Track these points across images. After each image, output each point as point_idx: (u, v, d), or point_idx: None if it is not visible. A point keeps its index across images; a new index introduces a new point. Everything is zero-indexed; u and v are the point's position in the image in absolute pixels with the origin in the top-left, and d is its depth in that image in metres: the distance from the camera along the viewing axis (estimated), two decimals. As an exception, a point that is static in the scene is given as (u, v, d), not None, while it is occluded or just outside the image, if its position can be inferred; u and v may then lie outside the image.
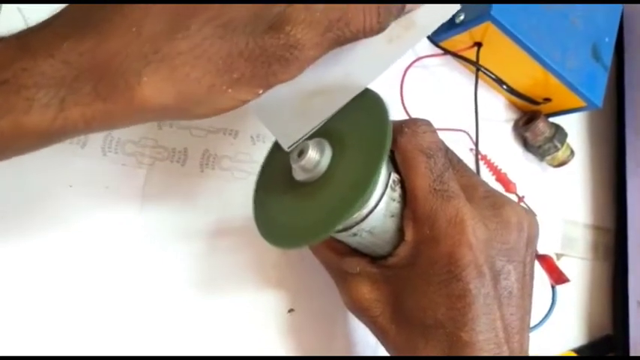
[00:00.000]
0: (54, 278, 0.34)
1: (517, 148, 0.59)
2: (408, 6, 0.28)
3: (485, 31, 0.49)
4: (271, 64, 0.25)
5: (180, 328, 0.37)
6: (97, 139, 0.37)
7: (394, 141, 0.33)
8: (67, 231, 0.35)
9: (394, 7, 0.28)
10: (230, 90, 0.25)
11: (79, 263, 0.35)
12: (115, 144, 0.37)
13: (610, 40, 0.56)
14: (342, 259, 0.34)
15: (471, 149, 0.53)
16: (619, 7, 0.58)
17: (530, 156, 0.59)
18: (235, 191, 0.41)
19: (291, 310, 0.41)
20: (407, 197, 0.32)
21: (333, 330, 0.43)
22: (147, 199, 0.38)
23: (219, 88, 0.24)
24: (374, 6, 0.26)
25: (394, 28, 0.30)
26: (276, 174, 0.34)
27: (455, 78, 0.55)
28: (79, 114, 0.23)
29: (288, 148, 0.32)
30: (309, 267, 0.40)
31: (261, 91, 0.26)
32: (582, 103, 0.55)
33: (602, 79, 0.55)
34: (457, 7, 0.31)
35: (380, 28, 0.27)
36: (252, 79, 0.25)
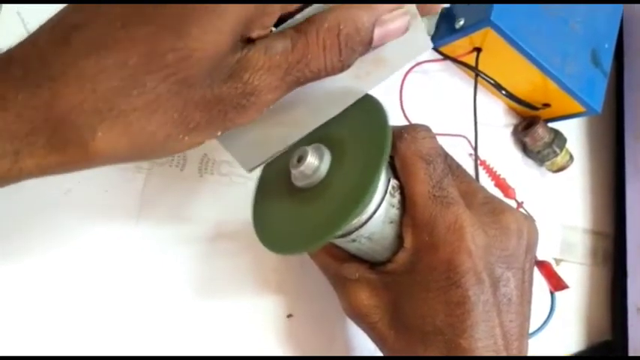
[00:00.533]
0: (53, 282, 0.34)
1: (516, 154, 0.59)
2: (376, 38, 0.27)
3: (485, 36, 0.49)
4: (228, 112, 0.25)
5: (179, 333, 0.37)
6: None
7: (393, 147, 0.33)
8: (67, 235, 0.35)
9: (358, 45, 0.27)
10: (186, 137, 0.25)
11: (78, 268, 0.35)
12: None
13: (609, 46, 0.56)
14: (341, 264, 0.34)
15: (470, 154, 0.53)
16: (619, 12, 0.58)
17: (529, 161, 0.59)
18: (234, 196, 0.41)
19: (290, 316, 0.41)
20: (406, 203, 0.32)
21: (332, 335, 0.43)
22: (146, 204, 0.38)
23: (175, 137, 0.24)
24: (336, 45, 0.26)
25: (362, 63, 0.29)
26: (275, 179, 0.34)
27: (454, 83, 0.55)
28: (34, 165, 0.23)
29: (249, 171, 0.33)
30: (309, 272, 0.40)
31: (219, 134, 0.26)
32: (581, 109, 0.55)
33: (602, 85, 0.55)
34: (429, 45, 0.30)
35: (342, 67, 0.27)
36: (208, 127, 0.25)
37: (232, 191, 0.41)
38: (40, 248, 0.34)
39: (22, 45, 0.23)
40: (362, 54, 0.27)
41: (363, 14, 0.26)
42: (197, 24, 0.22)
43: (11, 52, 0.23)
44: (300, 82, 0.26)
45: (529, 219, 0.35)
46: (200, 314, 0.38)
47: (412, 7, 0.28)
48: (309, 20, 0.26)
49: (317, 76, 0.26)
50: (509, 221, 0.33)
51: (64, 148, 0.23)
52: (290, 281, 0.41)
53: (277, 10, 0.25)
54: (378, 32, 0.27)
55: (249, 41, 0.25)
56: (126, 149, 0.23)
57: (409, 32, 0.28)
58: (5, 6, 0.35)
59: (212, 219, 0.40)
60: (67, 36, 0.22)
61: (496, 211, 0.33)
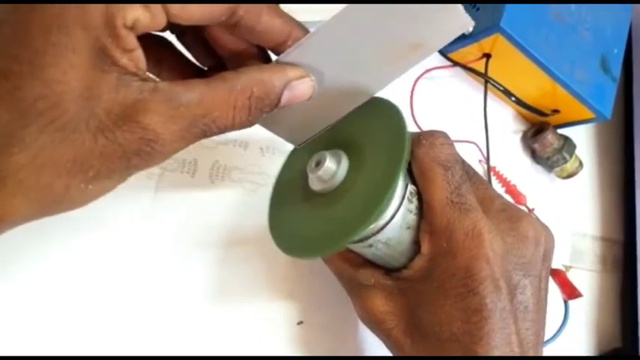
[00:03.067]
0: (64, 286, 0.34)
1: (525, 160, 0.59)
2: (284, 101, 0.27)
3: (495, 42, 0.49)
4: (130, 159, 0.24)
5: (189, 338, 0.37)
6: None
7: (411, 152, 0.33)
8: (77, 242, 0.35)
9: (267, 107, 0.27)
10: (90, 186, 0.23)
11: (89, 273, 0.35)
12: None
13: (619, 52, 0.56)
14: (357, 270, 0.34)
15: (480, 161, 0.52)
16: (627, 18, 0.58)
17: (538, 167, 0.59)
18: (245, 203, 0.41)
19: (300, 323, 0.41)
20: (424, 209, 0.32)
21: (342, 343, 0.42)
22: (156, 210, 0.38)
23: (77, 187, 0.23)
24: (246, 106, 0.26)
25: (401, 47, 0.29)
26: (292, 184, 0.34)
27: (464, 89, 0.55)
28: None
29: (299, 146, 0.33)
30: (319, 280, 0.40)
31: (127, 178, 0.25)
32: (591, 115, 0.55)
33: (611, 91, 0.55)
34: (470, 22, 0.28)
35: (250, 124, 0.27)
36: (111, 174, 0.24)
37: (243, 198, 0.41)
38: (52, 253, 0.34)
39: None
40: (268, 112, 0.27)
41: (275, 78, 0.27)
42: (53, 66, 0.21)
43: None
44: (206, 134, 0.25)
45: (546, 227, 0.34)
46: (210, 320, 0.38)
47: None
48: (221, 76, 0.25)
49: (223, 131, 0.26)
50: (527, 229, 0.33)
51: None
52: (300, 288, 0.41)
53: (124, 31, 0.22)
54: (286, 95, 0.27)
55: (144, 80, 0.23)
56: (27, 208, 0.22)
57: (445, 12, 0.27)
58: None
59: (223, 225, 0.40)
60: None
61: (513, 219, 0.33)
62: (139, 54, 0.23)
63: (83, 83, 0.22)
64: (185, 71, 0.31)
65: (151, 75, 0.24)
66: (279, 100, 0.27)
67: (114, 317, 0.35)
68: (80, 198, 0.24)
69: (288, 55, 0.28)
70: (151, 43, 0.24)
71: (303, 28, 0.28)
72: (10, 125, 0.21)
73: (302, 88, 0.28)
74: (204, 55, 0.31)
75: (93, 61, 0.22)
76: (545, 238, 0.34)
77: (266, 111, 0.27)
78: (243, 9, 0.26)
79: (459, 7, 0.26)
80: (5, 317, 0.33)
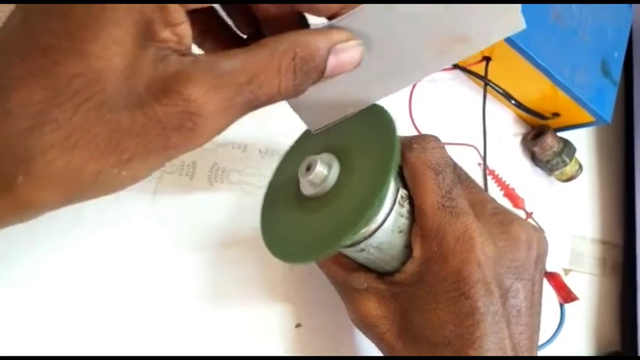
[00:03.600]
0: (62, 287, 0.35)
1: (525, 163, 0.59)
2: (330, 68, 0.26)
3: (495, 45, 0.49)
4: (170, 137, 0.22)
5: (186, 341, 0.37)
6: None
7: (403, 156, 0.33)
8: (75, 242, 0.35)
9: (312, 71, 0.25)
10: (124, 172, 0.22)
11: (86, 273, 0.35)
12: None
13: (619, 55, 0.56)
14: (349, 274, 0.34)
15: (479, 164, 0.52)
16: (628, 21, 0.58)
17: (538, 170, 0.59)
18: (243, 205, 0.41)
19: (298, 325, 0.41)
20: (415, 213, 0.32)
21: (340, 346, 0.42)
22: (155, 213, 0.38)
23: (108, 173, 0.21)
24: (291, 68, 0.24)
25: (443, 40, 0.27)
26: (284, 188, 0.34)
27: (464, 92, 0.55)
28: None
29: (315, 131, 0.32)
30: (317, 282, 0.40)
31: (164, 164, 0.24)
32: (591, 119, 0.55)
33: (612, 95, 0.55)
34: (522, 24, 0.27)
35: (296, 92, 0.25)
36: (147, 156, 0.22)
37: (242, 200, 0.41)
38: (50, 254, 0.34)
39: None
40: (315, 81, 0.26)
41: (319, 40, 0.25)
42: (95, 40, 0.20)
43: None
44: (254, 105, 0.24)
45: (539, 230, 0.35)
46: (208, 323, 0.38)
47: None
48: (261, 42, 0.24)
49: (270, 101, 0.25)
50: (519, 232, 0.33)
51: None
52: (298, 291, 0.41)
53: (174, 6, 0.22)
54: (331, 61, 0.26)
55: (185, 55, 0.23)
56: (53, 192, 0.21)
57: (503, 10, 0.26)
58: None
59: (221, 227, 0.40)
60: None
61: (505, 222, 0.33)
62: (186, 28, 0.22)
63: (125, 59, 0.21)
64: (228, 42, 0.30)
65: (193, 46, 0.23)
66: (325, 66, 0.26)
67: (111, 319, 0.35)
68: (111, 185, 0.23)
69: (335, 22, 0.26)
70: (196, 12, 0.23)
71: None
72: (43, 103, 0.20)
73: (349, 53, 0.26)
74: (246, 22, 0.30)
75: (136, 36, 0.21)
76: (538, 242, 0.34)
77: (313, 77, 0.25)
78: None
79: (518, 7, 0.26)
80: (1, 320, 0.33)
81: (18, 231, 0.33)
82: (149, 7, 0.21)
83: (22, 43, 0.20)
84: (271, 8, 0.27)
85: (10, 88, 0.20)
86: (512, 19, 0.27)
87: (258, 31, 0.29)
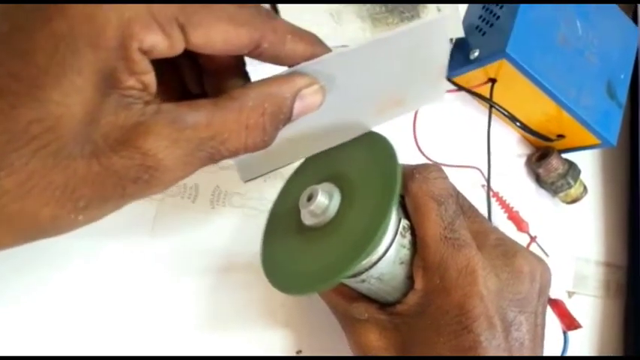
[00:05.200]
0: (59, 311, 0.34)
1: (529, 184, 0.58)
2: (296, 113, 0.26)
3: (500, 67, 0.49)
4: (126, 187, 0.22)
5: (186, 366, 0.37)
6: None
7: (405, 186, 0.33)
8: (76, 266, 0.35)
9: (281, 122, 0.25)
10: (81, 217, 0.22)
11: (87, 295, 0.35)
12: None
13: (625, 77, 0.56)
14: (350, 304, 0.34)
15: (483, 185, 0.52)
16: (635, 43, 0.58)
17: (542, 192, 0.59)
18: (246, 228, 0.41)
19: (299, 352, 0.41)
20: (417, 244, 0.32)
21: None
22: (157, 235, 0.38)
23: (64, 218, 0.21)
24: (260, 124, 0.24)
25: (385, 102, 0.30)
26: (285, 218, 0.34)
27: (468, 112, 0.55)
28: None
29: (245, 181, 0.32)
30: (318, 307, 0.40)
31: (121, 207, 0.23)
32: (596, 141, 0.54)
33: (617, 117, 0.54)
34: (442, 98, 0.33)
35: (265, 146, 0.25)
36: (104, 203, 0.22)
37: (244, 224, 0.41)
38: (50, 275, 0.34)
39: None
40: (284, 126, 0.26)
41: (284, 89, 0.25)
42: (56, 87, 0.20)
43: None
44: (215, 159, 0.24)
45: (542, 261, 0.34)
46: (207, 347, 0.38)
47: (444, 59, 0.29)
48: (228, 95, 0.24)
49: (234, 155, 0.25)
50: (522, 264, 0.33)
51: None
52: (299, 316, 0.41)
53: (138, 56, 0.21)
54: (297, 106, 0.26)
55: (148, 103, 0.22)
56: (6, 235, 0.21)
57: (434, 79, 0.30)
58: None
59: (223, 251, 0.40)
60: None
61: (508, 254, 0.33)
62: (151, 77, 0.22)
63: (85, 107, 0.20)
64: (185, 94, 0.29)
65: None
66: (291, 113, 0.26)
67: (109, 340, 0.35)
68: (68, 227, 0.22)
69: (298, 67, 0.26)
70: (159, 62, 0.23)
71: (325, 48, 0.27)
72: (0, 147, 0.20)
73: (313, 97, 0.27)
74: (195, 77, 0.29)
75: (98, 84, 0.20)
76: (542, 273, 0.34)
77: (280, 127, 0.26)
78: (267, 41, 0.24)
79: (444, 81, 0.30)
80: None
81: (16, 254, 0.33)
82: (113, 56, 0.20)
83: None
84: (216, 58, 0.26)
85: None
86: (439, 93, 0.32)
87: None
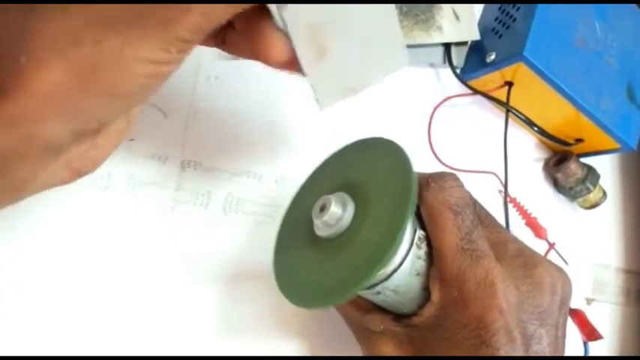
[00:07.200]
0: (73, 313, 0.34)
1: (547, 189, 0.57)
2: None
3: (517, 71, 0.48)
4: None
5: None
6: (119, 180, 0.36)
7: (420, 196, 0.32)
8: (87, 272, 0.35)
9: None
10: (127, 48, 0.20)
11: (97, 304, 0.35)
12: (136, 185, 0.37)
13: (646, 80, 0.55)
14: (365, 315, 0.33)
15: (500, 191, 0.51)
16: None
17: (560, 197, 0.58)
18: (258, 235, 0.40)
19: (313, 362, 0.40)
20: (434, 255, 0.31)
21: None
22: (169, 242, 0.37)
23: (111, 45, 0.20)
24: None
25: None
26: (297, 227, 0.33)
27: (485, 117, 0.54)
28: None
29: (322, 110, 0.29)
30: (333, 317, 0.39)
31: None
32: (616, 145, 0.53)
33: (637, 121, 0.53)
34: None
35: None
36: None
37: (256, 231, 0.40)
38: (61, 283, 0.34)
39: None
40: None
41: None
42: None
43: None
44: None
45: (563, 272, 0.33)
46: (219, 354, 0.37)
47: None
48: None
49: None
50: (543, 276, 0.32)
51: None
52: (312, 326, 0.40)
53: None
54: None
55: None
56: (59, 68, 0.20)
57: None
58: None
59: (235, 258, 0.39)
60: None
61: (528, 265, 0.32)
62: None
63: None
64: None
65: None
66: None
67: (121, 347, 0.35)
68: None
69: None
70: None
71: None
72: None
73: None
74: None
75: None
76: (563, 285, 0.33)
77: None
78: None
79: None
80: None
81: (30, 257, 0.33)
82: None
83: None
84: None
85: None
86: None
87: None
